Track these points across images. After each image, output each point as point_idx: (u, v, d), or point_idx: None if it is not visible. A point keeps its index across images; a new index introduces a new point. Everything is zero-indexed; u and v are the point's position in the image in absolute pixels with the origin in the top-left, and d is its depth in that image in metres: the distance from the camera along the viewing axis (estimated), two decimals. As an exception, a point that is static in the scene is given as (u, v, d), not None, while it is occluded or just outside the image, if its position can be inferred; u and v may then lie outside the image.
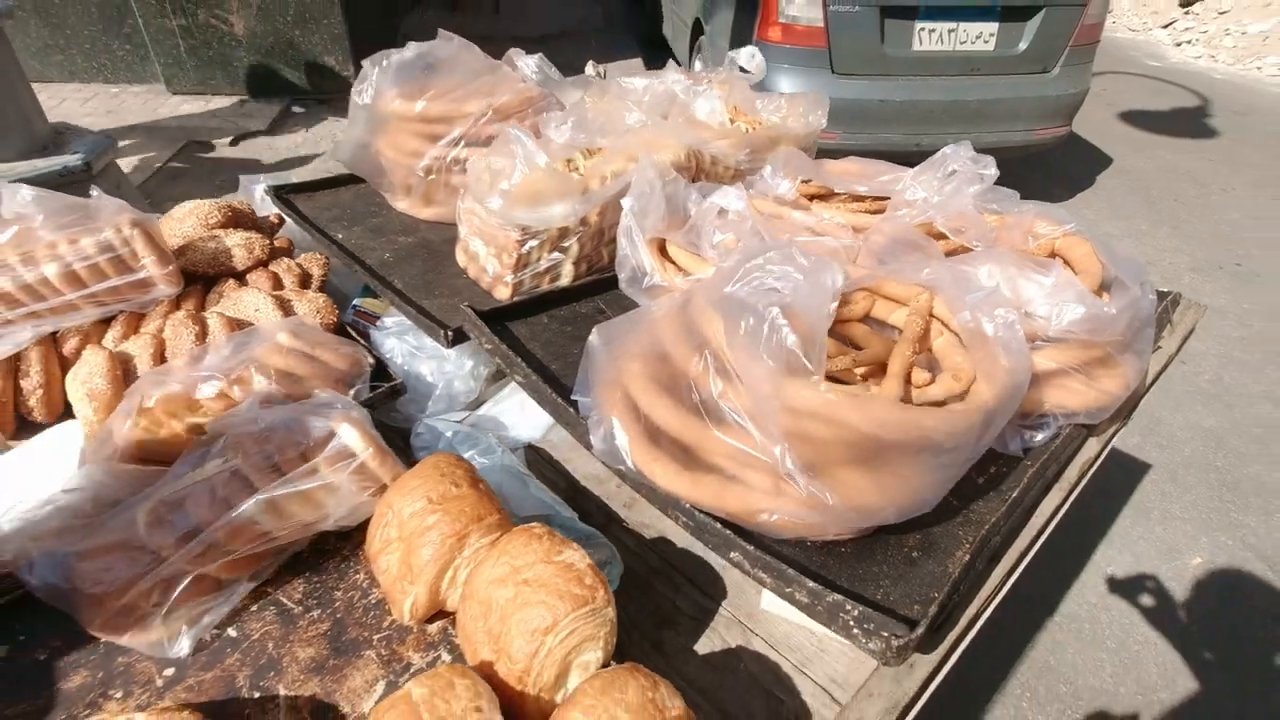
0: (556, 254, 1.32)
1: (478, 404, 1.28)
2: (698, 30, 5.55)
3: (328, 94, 5.56)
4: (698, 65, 5.86)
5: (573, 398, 1.01)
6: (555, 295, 1.30)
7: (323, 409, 0.98)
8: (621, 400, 0.90)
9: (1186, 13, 9.19)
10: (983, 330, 0.83)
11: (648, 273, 1.19)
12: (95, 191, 1.20)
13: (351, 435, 0.94)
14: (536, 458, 1.20)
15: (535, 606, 0.74)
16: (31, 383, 1.13)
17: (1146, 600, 2.48)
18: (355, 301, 1.44)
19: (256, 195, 1.65)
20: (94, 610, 0.84)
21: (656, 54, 7.35)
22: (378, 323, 1.36)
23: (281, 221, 1.59)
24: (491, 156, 1.28)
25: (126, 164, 4.18)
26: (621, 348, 0.96)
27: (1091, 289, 1.06)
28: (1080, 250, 1.16)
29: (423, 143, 1.49)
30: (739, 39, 4.46)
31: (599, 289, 1.35)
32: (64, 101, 5.13)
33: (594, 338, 0.97)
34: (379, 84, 1.47)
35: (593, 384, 0.96)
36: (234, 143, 4.88)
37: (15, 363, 1.14)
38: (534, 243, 1.28)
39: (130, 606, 0.85)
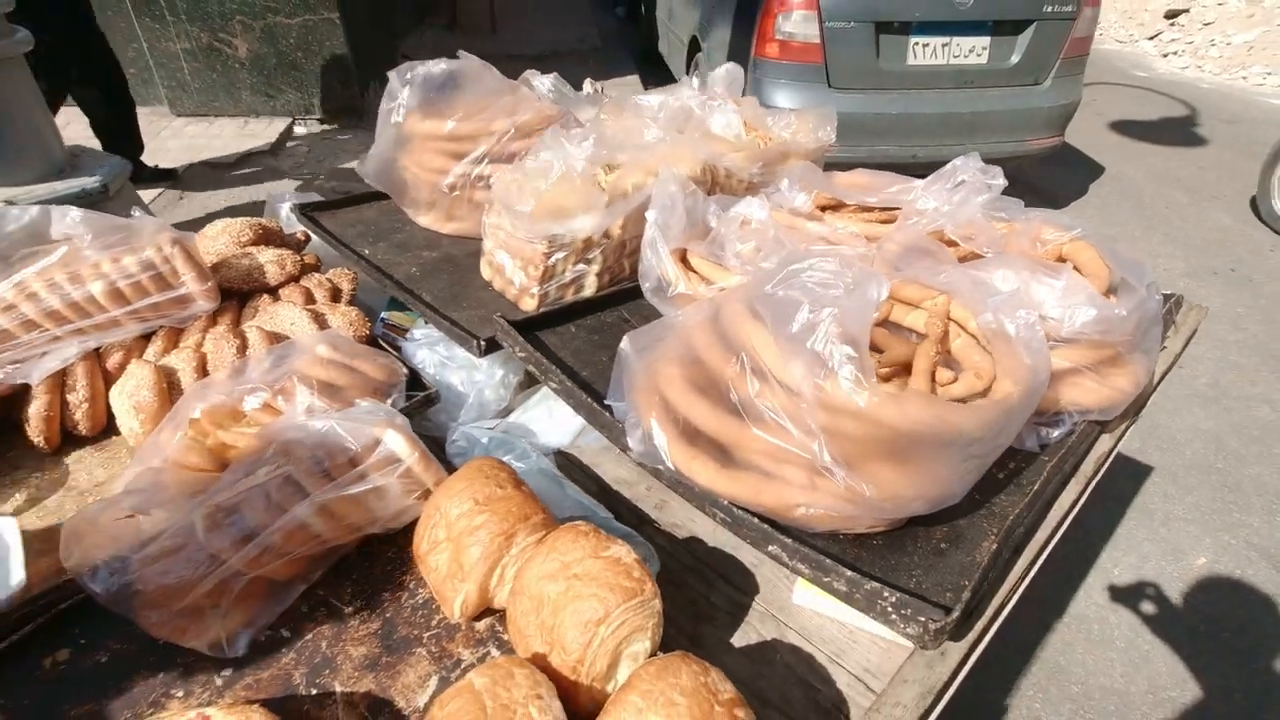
0: (581, 265, 1.36)
1: (507, 412, 1.32)
2: (694, 48, 5.64)
3: (330, 114, 5.64)
4: (694, 83, 5.96)
5: (606, 402, 1.05)
6: (581, 306, 1.35)
7: (367, 416, 1.01)
8: (658, 403, 0.94)
9: (1172, 24, 9.37)
10: (1005, 330, 0.88)
11: (672, 282, 1.24)
12: (136, 211, 1.24)
13: (397, 441, 0.98)
14: (567, 463, 1.23)
15: (587, 599, 0.78)
16: (78, 397, 1.16)
17: (1154, 601, 2.52)
18: (383, 315, 1.48)
19: (282, 213, 1.70)
20: (154, 613, 0.87)
21: (653, 72, 7.46)
22: (407, 334, 1.40)
23: (308, 239, 1.63)
24: (517, 171, 1.33)
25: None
26: (654, 354, 1.00)
27: (1099, 292, 1.11)
28: (1087, 254, 1.20)
29: (447, 160, 1.54)
30: (736, 56, 4.55)
31: (622, 299, 1.39)
32: (69, 124, 5.18)
33: (626, 345, 1.01)
34: (406, 103, 1.52)
35: (627, 388, 0.99)
36: (238, 163, 4.93)
37: (62, 378, 1.17)
38: (560, 255, 1.32)
39: (189, 608, 0.88)
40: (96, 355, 1.22)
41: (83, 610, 0.91)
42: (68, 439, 1.21)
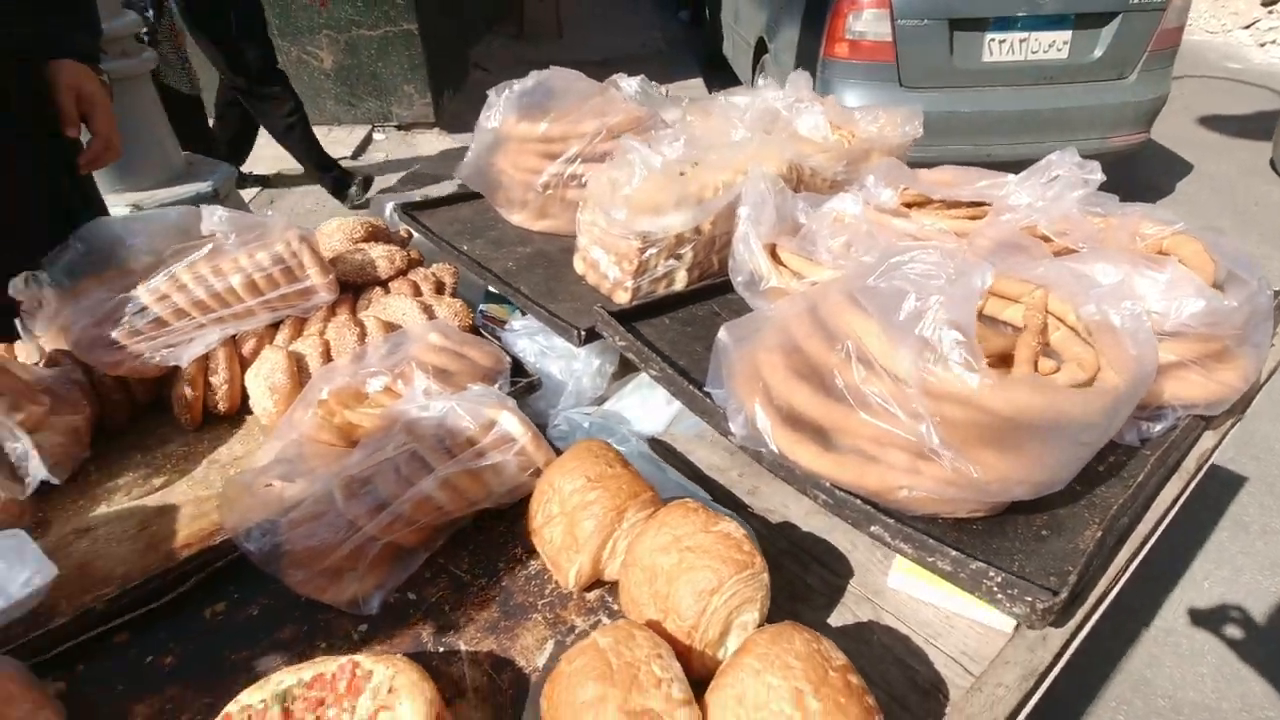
0: (673, 260, 1.42)
1: (601, 400, 1.38)
2: (760, 49, 5.64)
3: (407, 120, 5.87)
4: (760, 84, 5.95)
5: (705, 390, 1.09)
6: (673, 299, 1.40)
7: (482, 399, 1.08)
8: (760, 389, 0.98)
9: (1270, 12, 8.84)
10: (1110, 321, 0.88)
11: (764, 276, 1.28)
12: (269, 211, 1.35)
13: (512, 422, 1.05)
14: (661, 450, 1.28)
15: (701, 570, 0.82)
16: (219, 379, 1.28)
17: (1249, 616, 2.41)
18: (481, 307, 1.56)
19: (386, 213, 1.81)
20: (299, 571, 0.96)
21: (717, 75, 7.49)
22: (505, 326, 1.48)
23: (410, 236, 1.73)
24: (612, 170, 1.39)
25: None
26: (752, 344, 1.04)
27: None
28: (1191, 248, 1.18)
29: (541, 160, 1.62)
30: (805, 56, 4.54)
31: (713, 293, 1.44)
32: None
33: (724, 335, 1.05)
34: (503, 109, 1.61)
35: (726, 376, 1.04)
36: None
37: (204, 362, 1.29)
38: (653, 250, 1.38)
39: (330, 569, 0.97)
40: (233, 341, 1.33)
41: (235, 569, 1.01)
42: (206, 417, 1.33)
